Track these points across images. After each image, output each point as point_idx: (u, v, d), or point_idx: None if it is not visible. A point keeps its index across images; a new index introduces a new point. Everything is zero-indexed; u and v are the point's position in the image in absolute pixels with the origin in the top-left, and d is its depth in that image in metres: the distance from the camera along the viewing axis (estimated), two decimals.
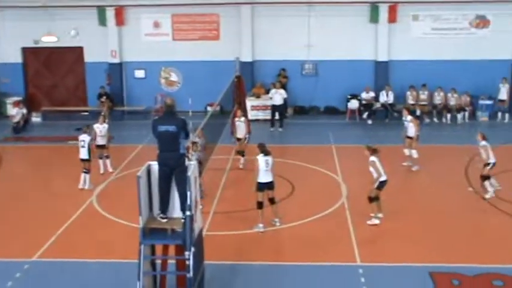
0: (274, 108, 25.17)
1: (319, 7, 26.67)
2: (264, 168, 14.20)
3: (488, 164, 16.26)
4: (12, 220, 15.68)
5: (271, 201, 14.70)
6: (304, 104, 27.85)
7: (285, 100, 25.50)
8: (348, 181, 17.95)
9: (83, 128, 18.00)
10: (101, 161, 19.05)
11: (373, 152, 14.78)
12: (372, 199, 14.76)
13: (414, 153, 19.01)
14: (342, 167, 19.39)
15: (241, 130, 19.53)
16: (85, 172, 17.56)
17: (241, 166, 19.29)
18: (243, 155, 19.33)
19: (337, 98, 27.52)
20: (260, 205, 14.42)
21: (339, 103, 27.61)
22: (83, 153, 17.52)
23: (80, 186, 17.54)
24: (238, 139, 19.65)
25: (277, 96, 25.04)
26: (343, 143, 22.41)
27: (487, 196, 16.27)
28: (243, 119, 19.69)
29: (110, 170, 19.18)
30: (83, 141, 17.55)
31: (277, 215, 14.84)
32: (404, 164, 19.27)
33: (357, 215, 15.16)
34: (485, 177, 16.37)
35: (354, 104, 26.68)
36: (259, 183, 14.27)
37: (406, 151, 19.29)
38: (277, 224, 14.74)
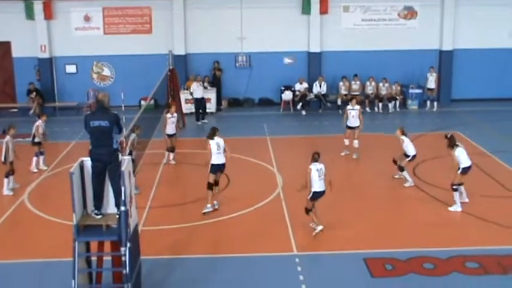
0: (196, 101, 24.96)
1: None
2: (215, 151, 14.74)
3: (408, 156, 16.73)
4: None
5: (216, 183, 15.05)
6: (238, 96, 27.93)
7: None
8: (283, 172, 18.12)
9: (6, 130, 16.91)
10: (35, 159, 18.62)
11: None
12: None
13: (356, 143, 19.32)
14: (276, 158, 19.57)
15: (172, 127, 19.15)
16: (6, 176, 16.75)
17: (172, 162, 19.16)
18: (173, 151, 19.14)
19: (271, 90, 27.73)
20: (211, 186, 14.89)
21: (273, 95, 27.82)
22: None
23: (5, 192, 16.68)
24: (169, 135, 19.17)
25: (199, 90, 24.99)
26: (278, 135, 22.61)
27: (406, 185, 16.77)
28: (175, 115, 19.44)
29: (43, 167, 18.77)
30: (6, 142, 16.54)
31: (217, 198, 15.25)
32: (342, 154, 19.59)
33: (292, 205, 15.33)
34: (402, 168, 16.87)
35: (287, 96, 26.90)
36: (212, 165, 14.78)
37: (346, 141, 19.60)
38: (216, 206, 15.17)
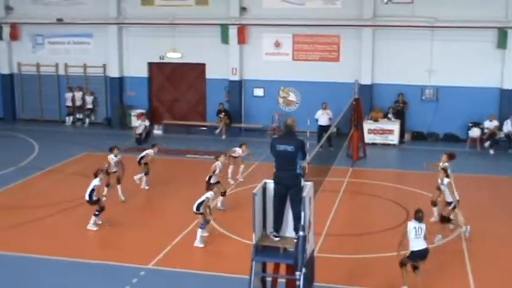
0: (320, 128, 24.52)
1: (443, 31, 26.06)
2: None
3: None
4: (133, 227, 16.33)
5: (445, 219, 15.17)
6: (422, 130, 27.21)
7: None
8: (464, 210, 17.23)
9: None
10: (139, 176, 19.64)
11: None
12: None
13: None
14: (461, 196, 18.68)
15: None
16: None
17: None
18: None
19: (458, 126, 26.70)
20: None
21: (460, 131, 26.76)
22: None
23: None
24: None
25: (324, 117, 24.66)
26: (462, 172, 21.60)
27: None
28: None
29: (145, 187, 19.63)
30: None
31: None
32: None
33: (473, 245, 14.59)
34: None
35: (475, 132, 25.74)
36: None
37: None
38: None
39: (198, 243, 14.83)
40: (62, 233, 15.88)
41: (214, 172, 17.39)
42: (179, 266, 13.73)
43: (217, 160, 17.67)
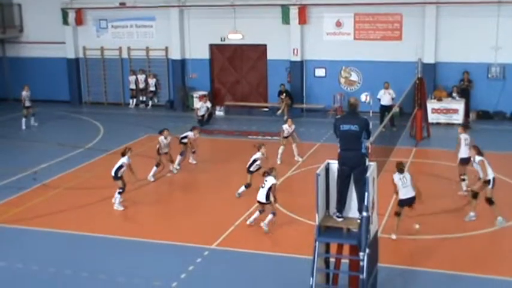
0: (382, 108, 24.09)
1: (510, 6, 25.25)
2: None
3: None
4: (194, 208, 16.60)
5: (489, 201, 14.72)
6: (488, 109, 26.55)
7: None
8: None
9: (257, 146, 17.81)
10: (179, 157, 19.87)
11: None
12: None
13: None
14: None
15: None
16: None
17: None
18: None
19: None
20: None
21: None
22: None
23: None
24: None
25: (386, 96, 24.29)
26: None
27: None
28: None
29: (175, 168, 19.72)
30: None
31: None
32: None
33: None
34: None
35: None
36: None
37: None
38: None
39: (264, 226, 14.64)
40: (126, 214, 16.27)
41: (255, 161, 17.17)
42: (242, 246, 13.89)
43: (259, 151, 17.22)
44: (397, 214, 14.20)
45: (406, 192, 14.02)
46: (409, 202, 14.14)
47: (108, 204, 16.75)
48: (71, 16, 31.05)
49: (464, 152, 16.41)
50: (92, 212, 16.40)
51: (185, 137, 19.98)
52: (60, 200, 17.30)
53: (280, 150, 20.09)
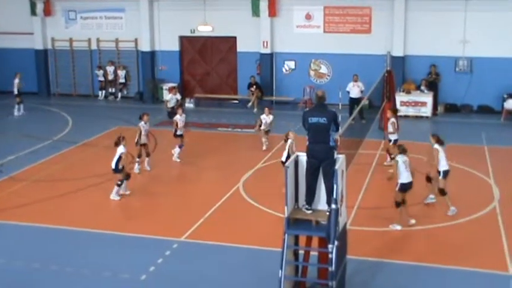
0: (351, 100, 24.57)
1: (477, 1, 25.59)
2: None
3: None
4: (165, 200, 16.53)
5: (441, 191, 14.99)
6: (456, 102, 26.88)
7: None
8: (501, 185, 17.13)
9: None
10: (177, 150, 19.81)
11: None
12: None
13: None
14: (494, 169, 18.53)
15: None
16: None
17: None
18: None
19: (492, 97, 26.31)
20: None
21: (494, 102, 26.38)
22: None
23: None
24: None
25: (356, 89, 24.65)
26: (497, 145, 21.40)
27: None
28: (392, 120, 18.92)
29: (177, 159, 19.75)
30: None
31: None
32: None
33: (510, 221, 14.46)
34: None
35: (510, 104, 25.36)
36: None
37: None
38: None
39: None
40: (95, 206, 16.15)
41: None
42: (212, 239, 13.85)
43: (288, 139, 16.45)
44: (398, 204, 14.25)
45: (408, 176, 14.08)
46: (410, 186, 14.22)
47: (76, 197, 16.61)
48: (39, 7, 30.62)
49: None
50: (60, 204, 16.23)
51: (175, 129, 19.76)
52: (28, 192, 17.08)
53: (263, 139, 20.57)
